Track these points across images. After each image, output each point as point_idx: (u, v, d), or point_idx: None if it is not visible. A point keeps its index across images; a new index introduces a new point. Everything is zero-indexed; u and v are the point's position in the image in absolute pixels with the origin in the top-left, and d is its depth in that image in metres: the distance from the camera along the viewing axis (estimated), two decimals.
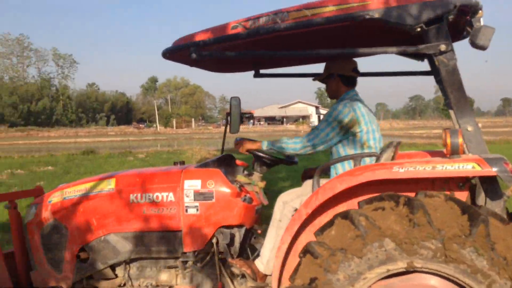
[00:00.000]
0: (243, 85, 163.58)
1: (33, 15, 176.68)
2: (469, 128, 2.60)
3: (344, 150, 3.17)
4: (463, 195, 2.63)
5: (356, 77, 3.36)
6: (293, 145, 3.15)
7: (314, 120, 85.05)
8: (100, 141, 44.37)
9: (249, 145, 3.35)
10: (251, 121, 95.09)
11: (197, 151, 25.47)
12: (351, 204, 2.62)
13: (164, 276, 3.25)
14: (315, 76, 3.53)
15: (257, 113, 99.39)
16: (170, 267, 3.26)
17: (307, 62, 3.92)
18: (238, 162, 3.60)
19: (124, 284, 3.31)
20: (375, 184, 2.58)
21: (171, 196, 3.16)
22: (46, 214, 3.44)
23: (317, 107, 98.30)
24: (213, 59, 3.18)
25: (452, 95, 2.59)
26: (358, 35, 3.06)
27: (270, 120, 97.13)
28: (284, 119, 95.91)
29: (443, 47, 2.52)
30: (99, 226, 3.30)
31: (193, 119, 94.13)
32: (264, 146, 3.28)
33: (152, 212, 3.19)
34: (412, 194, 2.54)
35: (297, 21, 2.61)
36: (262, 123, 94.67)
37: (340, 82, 3.31)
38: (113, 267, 3.36)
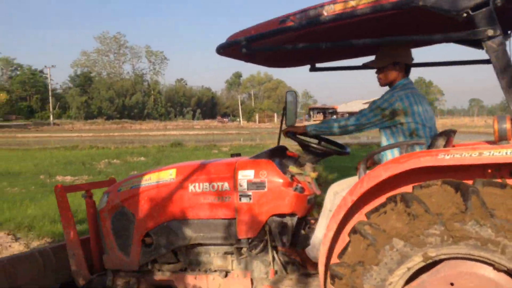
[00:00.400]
0: (326, 79, 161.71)
1: (128, 15, 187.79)
2: None
3: (393, 138, 3.20)
4: None
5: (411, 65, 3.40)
6: (332, 126, 3.26)
7: None
8: (187, 134, 46.27)
9: (292, 129, 3.46)
10: (334, 116, 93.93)
11: None
12: (397, 192, 2.59)
13: (220, 262, 3.40)
14: (370, 63, 3.48)
15: (340, 108, 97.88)
16: (226, 253, 3.40)
17: (362, 54, 3.87)
18: (289, 153, 3.67)
19: (186, 269, 3.50)
20: (423, 173, 2.52)
21: (226, 186, 3.31)
22: (116, 202, 3.71)
23: None
24: (267, 54, 3.27)
25: (504, 80, 2.48)
26: (405, 24, 3.00)
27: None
28: None
29: (490, 32, 2.42)
30: (161, 214, 3.50)
31: (275, 114, 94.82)
32: (308, 129, 3.38)
33: (208, 201, 3.36)
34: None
35: (342, 12, 2.60)
36: None
37: (401, 71, 3.32)
38: (175, 252, 3.54)
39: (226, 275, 3.33)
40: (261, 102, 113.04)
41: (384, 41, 3.00)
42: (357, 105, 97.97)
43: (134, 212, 3.61)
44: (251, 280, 3.26)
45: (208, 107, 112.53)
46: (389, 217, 2.45)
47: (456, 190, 2.35)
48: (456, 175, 2.50)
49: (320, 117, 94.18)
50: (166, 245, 3.47)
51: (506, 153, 2.33)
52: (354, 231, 2.55)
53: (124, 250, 3.64)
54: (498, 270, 2.32)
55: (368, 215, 2.58)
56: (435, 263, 2.42)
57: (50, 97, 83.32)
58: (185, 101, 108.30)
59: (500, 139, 2.46)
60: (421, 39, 2.88)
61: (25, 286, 3.71)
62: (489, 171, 2.52)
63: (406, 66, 3.33)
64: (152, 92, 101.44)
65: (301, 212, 3.30)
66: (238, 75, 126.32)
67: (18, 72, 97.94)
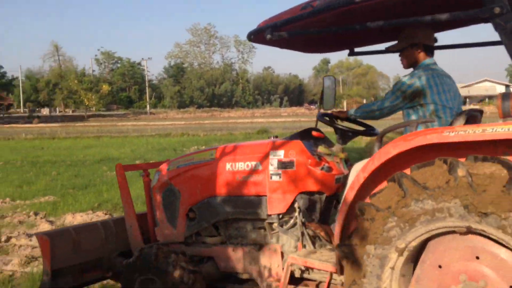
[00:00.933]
0: None
1: (217, 5, 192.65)
2: None
3: (410, 119, 3.31)
4: None
5: (434, 46, 3.46)
6: (364, 111, 3.50)
7: None
8: (274, 122, 46.82)
9: (337, 113, 3.74)
10: None
11: None
12: (406, 168, 2.61)
13: (255, 236, 3.60)
14: (391, 47, 3.57)
15: None
16: (260, 228, 3.59)
17: (393, 38, 3.74)
18: (317, 134, 3.71)
19: (225, 242, 3.74)
20: (435, 150, 2.53)
21: (258, 165, 3.53)
22: (165, 179, 4.03)
23: (507, 86, 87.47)
24: (301, 40, 3.44)
25: None
26: (418, 5, 3.00)
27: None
28: (467, 99, 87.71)
29: (497, 9, 2.37)
30: (203, 191, 3.79)
31: (364, 100, 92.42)
32: (349, 113, 3.62)
33: (243, 179, 3.59)
34: None
35: None
36: None
37: (422, 52, 3.40)
38: (216, 226, 3.81)
39: (260, 249, 3.52)
40: (350, 88, 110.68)
41: (392, 23, 2.96)
42: None
43: (179, 189, 3.93)
44: (282, 253, 3.44)
45: (295, 94, 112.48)
46: (386, 196, 2.55)
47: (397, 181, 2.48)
48: (465, 153, 2.44)
49: None
50: (207, 219, 3.77)
51: (509, 129, 2.29)
52: (357, 211, 2.66)
53: (172, 223, 3.96)
54: (462, 233, 2.39)
55: (372, 195, 2.64)
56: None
57: (146, 88, 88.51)
58: (272, 88, 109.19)
59: (504, 115, 2.49)
60: (427, 20, 2.78)
61: (88, 252, 4.14)
62: (500, 147, 2.44)
63: (426, 47, 3.38)
64: (240, 80, 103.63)
65: (328, 190, 3.43)
66: (326, 62, 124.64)
67: (118, 65, 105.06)
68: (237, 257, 3.59)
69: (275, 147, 3.53)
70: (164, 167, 4.16)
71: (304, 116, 62.25)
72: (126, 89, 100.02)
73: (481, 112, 3.31)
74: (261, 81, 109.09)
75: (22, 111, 76.72)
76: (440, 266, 2.53)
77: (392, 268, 2.63)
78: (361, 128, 3.72)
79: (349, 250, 2.68)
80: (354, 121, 3.77)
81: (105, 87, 72.92)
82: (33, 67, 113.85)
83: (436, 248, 2.53)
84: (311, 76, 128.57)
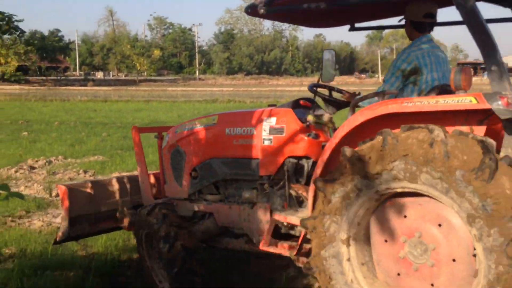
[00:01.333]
0: None
1: None
2: (493, 68, 2.64)
3: (403, 96, 3.38)
4: (481, 130, 2.65)
5: (427, 23, 3.42)
6: (369, 101, 3.45)
7: None
8: (324, 91, 46.03)
9: (346, 97, 3.81)
10: (485, 72, 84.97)
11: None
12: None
13: (249, 195, 3.86)
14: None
15: None
16: (253, 188, 3.84)
17: (396, 13, 3.78)
18: (301, 102, 3.92)
19: (223, 200, 4.03)
20: (402, 119, 2.73)
21: (253, 131, 3.80)
22: (173, 141, 4.33)
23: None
24: (302, 15, 3.62)
25: (476, 36, 2.63)
26: None
27: (510, 71, 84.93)
28: None
29: None
30: (204, 153, 4.08)
31: None
32: (355, 100, 3.58)
33: (240, 143, 3.88)
34: None
35: None
36: None
37: (411, 28, 3.48)
38: (216, 186, 4.08)
39: (252, 207, 3.78)
40: None
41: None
42: None
43: (185, 150, 4.25)
44: (271, 211, 3.68)
45: (346, 62, 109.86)
46: (318, 204, 2.88)
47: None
48: (429, 123, 2.63)
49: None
50: (208, 179, 4.07)
51: (458, 101, 2.57)
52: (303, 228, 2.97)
53: (178, 182, 4.30)
54: (390, 202, 2.81)
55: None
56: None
57: (196, 54, 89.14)
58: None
59: (456, 88, 2.73)
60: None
61: (103, 204, 4.59)
62: (459, 118, 2.69)
63: (416, 24, 3.44)
64: (290, 48, 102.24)
65: (315, 156, 3.56)
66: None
67: (170, 31, 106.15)
68: (233, 214, 3.89)
69: (268, 115, 3.79)
70: (173, 130, 4.46)
71: (353, 85, 60.91)
72: (176, 55, 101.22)
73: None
74: (312, 48, 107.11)
75: (77, 74, 79.55)
76: (386, 241, 2.82)
77: (349, 260, 2.87)
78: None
79: (311, 264, 3.00)
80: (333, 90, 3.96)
81: (157, 52, 74.09)
82: (89, 32, 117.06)
83: (376, 226, 2.86)
84: (364, 44, 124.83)
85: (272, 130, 3.71)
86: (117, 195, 4.68)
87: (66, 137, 13.53)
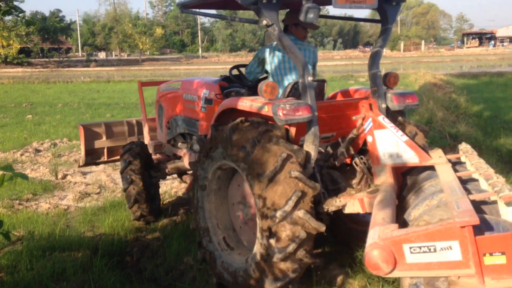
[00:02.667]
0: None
1: None
2: (301, 80, 3.56)
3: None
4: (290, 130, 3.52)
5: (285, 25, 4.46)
6: (246, 73, 4.44)
7: None
8: (326, 65, 45.71)
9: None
10: (492, 42, 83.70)
11: (421, 76, 24.19)
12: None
13: (197, 147, 4.82)
14: None
15: (500, 32, 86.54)
16: (198, 142, 4.80)
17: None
18: (220, 83, 4.64)
19: (189, 148, 5.05)
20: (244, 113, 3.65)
21: (197, 98, 4.78)
22: (157, 97, 5.66)
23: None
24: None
25: (291, 55, 3.61)
26: None
27: None
28: None
29: (265, 21, 3.47)
30: (172, 110, 5.26)
31: (423, 41, 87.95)
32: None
33: (190, 107, 4.92)
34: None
35: None
36: (506, 44, 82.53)
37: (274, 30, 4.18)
38: (183, 136, 5.18)
39: (197, 156, 4.45)
40: (408, 29, 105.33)
41: None
42: None
43: (163, 105, 5.50)
44: None
45: (350, 36, 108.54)
46: None
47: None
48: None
49: (475, 43, 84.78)
50: (175, 130, 5.23)
51: (259, 107, 3.49)
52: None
53: (161, 129, 5.58)
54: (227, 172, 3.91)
55: None
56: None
57: (199, 31, 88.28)
58: (326, 30, 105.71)
59: (261, 95, 3.51)
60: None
61: (114, 140, 6.17)
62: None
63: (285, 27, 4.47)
64: None
65: None
66: None
67: (171, 8, 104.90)
68: (190, 158, 4.83)
69: (207, 86, 4.70)
70: (159, 88, 5.70)
71: (357, 59, 60.29)
72: (179, 33, 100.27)
73: (323, 81, 4.27)
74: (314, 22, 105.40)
75: (80, 55, 79.18)
76: (233, 204, 3.94)
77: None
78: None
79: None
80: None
81: (159, 31, 73.30)
82: (90, 11, 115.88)
83: (229, 191, 3.95)
84: (368, 16, 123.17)
85: (206, 100, 4.63)
86: (126, 134, 6.26)
87: (70, 119, 13.57)
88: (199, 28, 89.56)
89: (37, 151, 9.41)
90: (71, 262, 4.23)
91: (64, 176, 7.50)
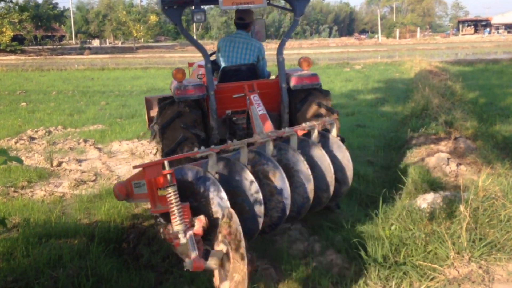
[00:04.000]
0: None
1: None
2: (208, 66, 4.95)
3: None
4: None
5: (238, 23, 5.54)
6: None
7: None
8: (321, 53, 45.56)
9: None
10: (487, 29, 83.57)
11: (417, 63, 24.17)
12: None
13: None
14: None
15: (495, 20, 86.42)
16: None
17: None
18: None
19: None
20: None
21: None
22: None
23: None
24: None
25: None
26: None
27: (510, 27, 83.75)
28: None
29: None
30: None
31: (418, 29, 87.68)
32: None
33: None
34: None
35: None
36: (501, 31, 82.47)
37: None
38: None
39: None
40: (404, 16, 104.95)
41: None
42: None
43: None
44: None
45: (345, 23, 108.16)
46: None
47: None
48: None
49: (470, 30, 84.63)
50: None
51: (172, 86, 5.09)
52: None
53: None
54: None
55: None
56: None
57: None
58: (322, 18, 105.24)
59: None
60: None
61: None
62: None
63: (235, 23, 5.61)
64: None
65: None
66: None
67: None
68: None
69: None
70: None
71: (353, 47, 60.11)
72: None
73: (252, 65, 5.49)
74: (310, 9, 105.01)
75: (74, 42, 78.47)
76: None
77: None
78: None
79: None
80: None
81: (153, 18, 72.64)
82: None
83: None
84: (363, 3, 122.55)
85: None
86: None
87: (64, 106, 13.48)
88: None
89: (32, 138, 9.35)
90: (68, 249, 4.22)
91: (59, 164, 7.47)
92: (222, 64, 5.32)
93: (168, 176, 2.96)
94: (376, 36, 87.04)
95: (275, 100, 5.04)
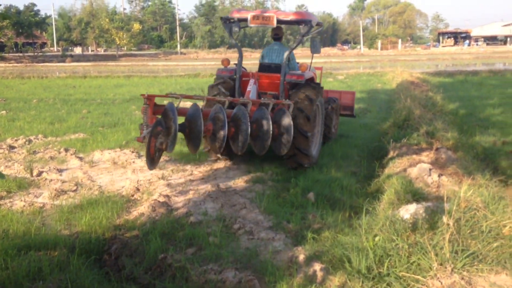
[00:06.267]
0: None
1: None
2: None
3: None
4: None
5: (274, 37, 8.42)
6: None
7: None
8: (304, 62, 45.77)
9: None
10: (467, 41, 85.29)
11: (398, 74, 24.51)
12: None
13: None
14: None
15: (474, 32, 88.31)
16: None
17: None
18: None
19: None
20: None
21: None
22: None
23: None
24: None
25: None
26: None
27: (490, 40, 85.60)
28: (508, 39, 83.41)
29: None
30: None
31: (400, 40, 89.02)
32: None
33: None
34: None
35: None
36: (480, 43, 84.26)
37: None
38: None
39: None
40: (386, 28, 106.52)
41: None
42: (494, 28, 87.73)
43: None
44: None
45: (328, 34, 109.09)
46: None
47: None
48: None
49: (450, 42, 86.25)
50: None
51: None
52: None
53: None
54: None
55: None
56: None
57: (177, 27, 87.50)
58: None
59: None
60: None
61: None
62: None
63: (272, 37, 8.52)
64: None
65: None
66: None
67: (149, 3, 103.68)
68: None
69: None
70: None
71: (335, 57, 60.70)
72: (157, 28, 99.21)
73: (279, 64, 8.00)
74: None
75: (55, 49, 77.60)
76: None
77: None
78: None
79: None
80: None
81: (136, 26, 72.37)
82: (66, 5, 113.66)
83: None
84: (346, 14, 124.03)
85: None
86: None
87: (45, 115, 13.28)
88: (177, 24, 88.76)
89: (11, 147, 9.18)
90: (48, 261, 4.13)
91: (40, 173, 7.34)
92: (260, 61, 8.16)
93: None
94: (359, 47, 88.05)
95: (277, 86, 7.69)
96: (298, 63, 8.19)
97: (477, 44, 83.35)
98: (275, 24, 7.30)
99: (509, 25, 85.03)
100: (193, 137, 5.59)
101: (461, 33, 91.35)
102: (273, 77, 7.68)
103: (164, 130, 5.23)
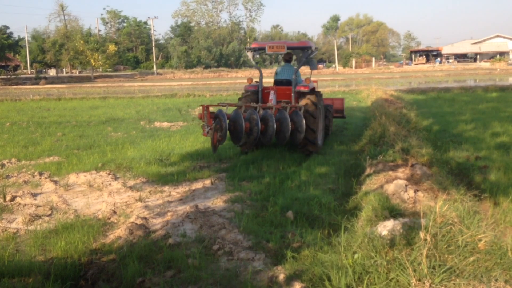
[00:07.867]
0: (433, 18, 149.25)
1: None
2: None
3: None
4: None
5: (285, 59, 11.08)
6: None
7: None
8: None
9: None
10: (438, 59, 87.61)
11: (373, 91, 24.95)
12: None
13: None
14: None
15: (445, 50, 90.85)
16: None
17: None
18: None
19: None
20: None
21: None
22: None
23: None
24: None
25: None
26: None
27: (461, 57, 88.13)
28: (478, 56, 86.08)
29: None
30: None
31: (373, 58, 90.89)
32: None
33: None
34: None
35: None
36: (451, 61, 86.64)
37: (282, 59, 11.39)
38: None
39: None
40: (359, 47, 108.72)
41: None
42: (464, 46, 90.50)
43: None
44: None
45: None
46: None
47: None
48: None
49: (422, 60, 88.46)
50: None
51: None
52: None
53: None
54: None
55: None
56: None
57: (153, 48, 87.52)
58: None
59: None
60: None
61: None
62: None
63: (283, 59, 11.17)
64: (248, 39, 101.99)
65: None
66: (335, 19, 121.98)
67: (124, 24, 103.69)
68: None
69: None
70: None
71: (312, 76, 61.37)
72: (132, 49, 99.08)
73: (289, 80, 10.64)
74: (270, 39, 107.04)
75: (29, 72, 76.59)
76: None
77: None
78: None
79: None
80: None
81: (112, 47, 72.12)
82: (39, 27, 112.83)
83: None
84: (320, 34, 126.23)
85: None
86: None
87: (18, 138, 13.03)
88: (153, 44, 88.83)
89: None
90: None
91: (13, 198, 7.16)
92: (275, 78, 10.60)
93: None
94: (334, 65, 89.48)
95: (290, 95, 10.17)
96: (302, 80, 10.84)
97: (448, 62, 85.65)
98: (285, 50, 10.06)
99: (477, 43, 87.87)
100: (237, 132, 7.83)
101: (432, 51, 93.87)
102: (286, 89, 10.33)
103: (219, 127, 7.57)
